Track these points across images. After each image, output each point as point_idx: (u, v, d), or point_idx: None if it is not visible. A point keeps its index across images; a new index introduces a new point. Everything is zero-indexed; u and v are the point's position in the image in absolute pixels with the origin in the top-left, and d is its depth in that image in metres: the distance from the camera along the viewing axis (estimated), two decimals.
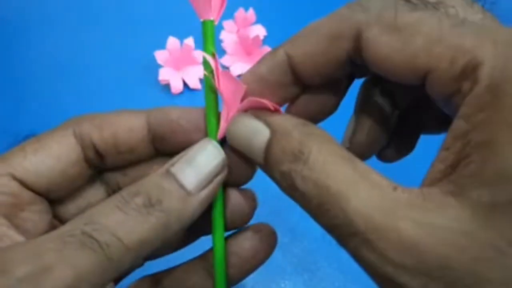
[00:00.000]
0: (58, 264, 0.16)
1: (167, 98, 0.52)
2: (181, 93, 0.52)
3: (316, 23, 0.20)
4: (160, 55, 0.53)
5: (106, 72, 0.54)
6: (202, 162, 0.20)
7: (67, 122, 0.22)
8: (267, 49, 0.54)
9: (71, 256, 0.16)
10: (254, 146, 0.19)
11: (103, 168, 0.23)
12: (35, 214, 0.21)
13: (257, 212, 0.42)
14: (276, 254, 0.40)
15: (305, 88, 0.21)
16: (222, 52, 0.55)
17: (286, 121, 0.19)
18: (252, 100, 0.20)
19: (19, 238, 0.19)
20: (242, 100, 0.21)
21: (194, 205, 0.19)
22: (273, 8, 0.62)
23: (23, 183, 0.21)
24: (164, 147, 0.22)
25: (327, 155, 0.17)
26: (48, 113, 0.50)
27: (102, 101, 0.51)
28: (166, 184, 0.19)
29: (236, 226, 0.23)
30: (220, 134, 0.21)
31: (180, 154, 0.20)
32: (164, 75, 0.52)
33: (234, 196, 0.23)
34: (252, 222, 0.24)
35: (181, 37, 0.53)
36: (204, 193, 0.19)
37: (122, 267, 0.17)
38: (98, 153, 0.22)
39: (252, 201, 0.23)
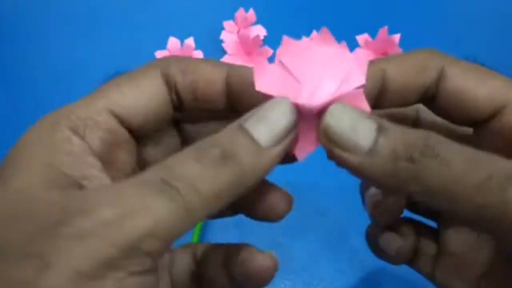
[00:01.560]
0: (140, 210, 0.16)
1: None
2: None
3: (409, 53, 0.23)
4: (160, 55, 0.53)
5: (106, 72, 0.54)
6: (275, 118, 0.20)
7: (154, 62, 0.23)
8: (267, 49, 0.54)
9: (152, 203, 0.17)
10: (359, 134, 0.19)
11: (179, 116, 0.24)
12: (126, 153, 0.22)
13: None
14: (276, 254, 0.40)
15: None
16: (223, 52, 0.55)
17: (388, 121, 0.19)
18: (361, 93, 0.21)
19: (107, 181, 0.20)
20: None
21: (267, 160, 0.19)
22: (274, 8, 0.62)
23: (121, 120, 0.21)
24: (239, 105, 0.23)
25: (453, 148, 0.18)
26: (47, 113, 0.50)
27: None
28: (241, 138, 0.19)
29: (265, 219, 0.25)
30: (314, 104, 0.20)
31: (252, 111, 0.20)
32: None
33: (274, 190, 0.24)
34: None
35: (181, 38, 0.54)
36: (277, 149, 0.20)
37: (197, 220, 0.18)
38: (178, 97, 0.23)
39: (287, 205, 0.24)
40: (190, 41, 0.54)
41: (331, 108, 0.20)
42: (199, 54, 0.54)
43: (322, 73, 0.20)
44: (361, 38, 0.55)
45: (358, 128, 0.19)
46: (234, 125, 0.20)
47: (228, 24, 0.57)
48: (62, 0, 0.63)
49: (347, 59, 0.21)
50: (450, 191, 0.17)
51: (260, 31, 0.57)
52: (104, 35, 0.58)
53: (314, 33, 0.21)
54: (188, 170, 0.18)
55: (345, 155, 0.19)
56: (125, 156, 0.22)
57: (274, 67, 0.21)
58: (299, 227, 0.41)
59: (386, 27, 0.53)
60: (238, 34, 0.55)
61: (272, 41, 0.56)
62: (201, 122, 0.25)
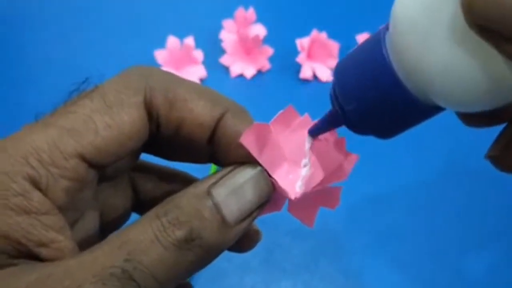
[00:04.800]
0: None
1: None
2: None
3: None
4: (160, 55, 0.52)
5: (105, 72, 0.54)
6: (249, 194, 0.18)
7: (135, 81, 0.19)
8: (267, 48, 0.54)
9: None
10: None
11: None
12: (89, 191, 0.19)
13: None
14: (276, 254, 0.40)
15: None
16: (222, 51, 0.55)
17: None
18: (339, 190, 0.21)
19: (67, 245, 0.18)
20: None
21: (230, 239, 0.18)
22: (274, 7, 0.62)
23: (91, 164, 0.18)
24: (220, 151, 0.20)
25: None
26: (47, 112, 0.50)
27: None
28: (208, 214, 0.17)
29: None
30: (296, 196, 0.19)
31: (223, 173, 0.18)
32: None
33: None
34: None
35: (181, 37, 0.53)
36: (243, 225, 0.18)
37: None
38: (157, 128, 0.20)
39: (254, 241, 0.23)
40: (189, 40, 0.54)
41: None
42: (199, 53, 0.54)
43: (314, 160, 0.20)
44: (361, 37, 0.55)
45: None
46: (201, 189, 0.17)
47: (227, 23, 0.57)
48: None
49: (339, 153, 0.20)
50: None
51: (260, 30, 0.57)
52: (103, 34, 0.58)
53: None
54: (150, 257, 0.16)
55: None
56: (87, 194, 0.19)
57: (272, 129, 0.19)
58: (299, 227, 0.41)
59: None
60: (237, 33, 0.55)
61: (273, 40, 0.56)
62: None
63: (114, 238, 0.17)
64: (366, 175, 0.44)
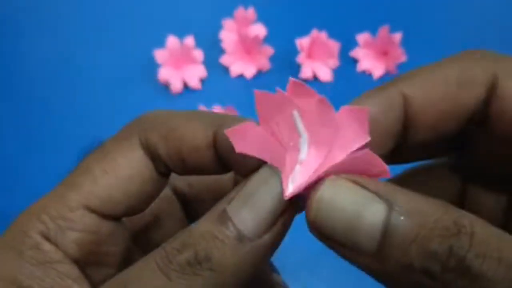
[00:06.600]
0: None
1: (167, 98, 0.51)
2: (181, 93, 0.52)
3: (439, 64, 0.17)
4: (159, 54, 0.52)
5: (105, 72, 0.54)
6: (263, 200, 0.16)
7: (130, 128, 0.19)
8: (267, 48, 0.53)
9: None
10: (363, 225, 0.14)
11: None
12: (115, 244, 0.19)
13: None
14: (276, 254, 0.40)
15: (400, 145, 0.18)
16: (222, 51, 0.55)
17: (409, 193, 0.14)
18: (369, 154, 0.15)
19: None
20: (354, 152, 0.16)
21: (253, 254, 0.16)
22: (274, 7, 0.62)
23: (101, 214, 0.18)
24: (232, 168, 0.18)
25: (489, 229, 0.13)
26: (46, 112, 0.50)
27: (101, 101, 0.51)
28: (219, 232, 0.15)
29: None
30: (289, 191, 0.16)
31: (237, 188, 0.16)
32: (164, 74, 0.52)
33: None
34: None
35: (181, 36, 0.53)
36: (266, 238, 0.16)
37: None
38: (166, 165, 0.19)
39: None
40: (189, 40, 0.54)
41: (318, 195, 0.15)
42: (198, 53, 0.54)
43: (307, 137, 0.17)
44: (361, 37, 0.55)
45: (356, 224, 0.14)
46: (217, 209, 0.16)
47: (227, 22, 0.57)
48: None
49: (332, 117, 0.16)
50: None
51: (260, 30, 0.57)
52: (102, 34, 0.58)
53: (291, 81, 0.16)
54: (151, 286, 0.15)
55: (347, 253, 0.15)
56: (114, 248, 0.19)
57: (261, 126, 0.17)
58: (299, 227, 0.41)
59: (386, 26, 0.53)
60: (237, 33, 0.55)
61: (273, 40, 0.56)
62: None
63: (115, 278, 0.16)
64: None
